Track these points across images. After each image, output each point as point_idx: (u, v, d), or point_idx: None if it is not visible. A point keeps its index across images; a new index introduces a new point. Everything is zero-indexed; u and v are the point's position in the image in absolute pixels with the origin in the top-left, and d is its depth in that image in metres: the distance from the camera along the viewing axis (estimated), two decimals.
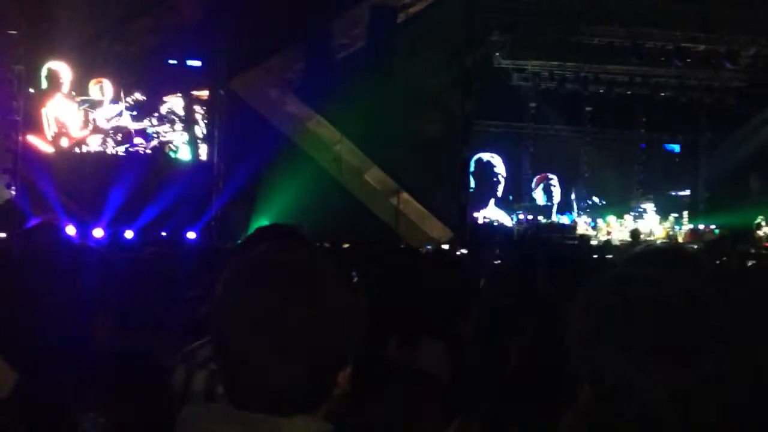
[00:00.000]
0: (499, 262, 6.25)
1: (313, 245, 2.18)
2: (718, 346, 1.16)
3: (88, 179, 14.55)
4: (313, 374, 1.17)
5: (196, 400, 1.94)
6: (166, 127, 15.61)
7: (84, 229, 13.45)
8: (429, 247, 9.56)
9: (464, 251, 8.29)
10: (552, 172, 19.52)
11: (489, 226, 17.88)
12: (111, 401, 1.79)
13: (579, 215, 19.16)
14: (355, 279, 2.13)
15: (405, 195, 15.82)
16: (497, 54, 17.93)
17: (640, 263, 2.39)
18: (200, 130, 15.86)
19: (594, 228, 17.88)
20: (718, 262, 7.46)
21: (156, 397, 1.90)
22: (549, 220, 18.48)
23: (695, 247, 15.52)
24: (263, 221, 13.79)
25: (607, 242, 15.71)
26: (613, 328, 1.17)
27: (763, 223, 17.03)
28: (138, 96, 15.30)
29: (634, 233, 13.68)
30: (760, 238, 16.79)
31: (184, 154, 15.74)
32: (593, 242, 15.62)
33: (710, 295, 1.23)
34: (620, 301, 1.19)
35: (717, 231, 17.43)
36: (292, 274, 1.19)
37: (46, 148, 14.96)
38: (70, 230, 13.38)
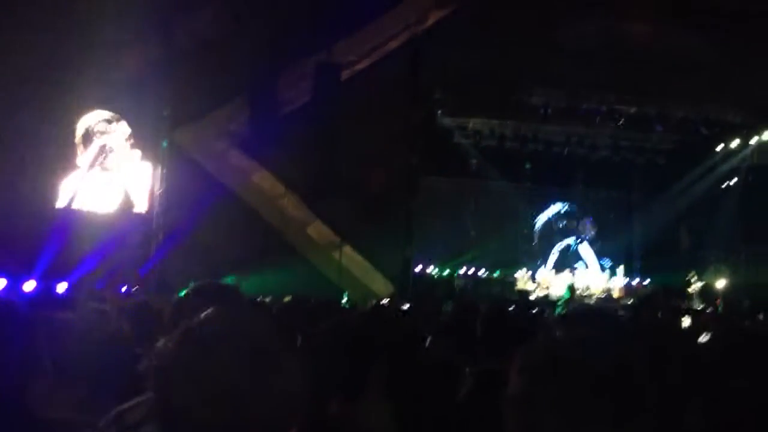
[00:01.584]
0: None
1: (250, 305, 2.19)
2: (643, 406, 1.22)
3: (21, 229, 14.13)
4: None
5: None
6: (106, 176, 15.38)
7: (15, 281, 12.98)
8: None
9: (406, 306, 8.31)
10: (493, 227, 19.88)
11: (429, 279, 17.97)
12: None
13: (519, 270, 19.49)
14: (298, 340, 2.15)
15: (348, 249, 15.84)
16: (440, 112, 18.34)
17: (571, 324, 2.48)
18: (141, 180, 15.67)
19: (533, 282, 18.16)
20: (653, 316, 7.65)
21: None
22: (489, 275, 18.71)
23: (629, 302, 15.93)
24: (202, 275, 13.56)
25: (546, 297, 15.97)
26: (544, 389, 1.21)
27: (694, 279, 17.60)
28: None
29: (571, 288, 13.99)
30: (691, 294, 17.32)
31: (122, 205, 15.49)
32: (532, 297, 15.86)
33: (635, 359, 1.29)
34: (551, 363, 1.24)
35: (650, 287, 17.93)
36: (238, 344, 1.21)
37: None
38: (0, 282, 12.92)
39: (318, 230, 16.12)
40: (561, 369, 1.22)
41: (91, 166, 15.36)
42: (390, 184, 16.20)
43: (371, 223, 15.55)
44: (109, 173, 15.52)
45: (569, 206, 20.81)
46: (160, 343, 1.26)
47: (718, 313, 10.13)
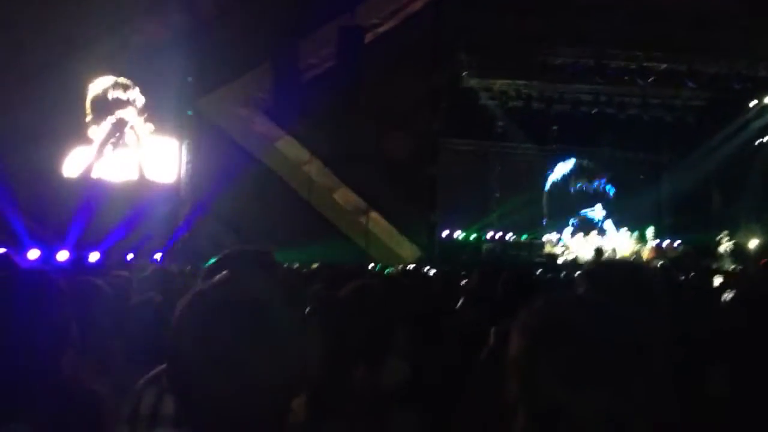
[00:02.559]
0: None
1: (277, 272, 2.19)
2: (648, 369, 1.20)
3: (52, 201, 14.34)
4: (264, 403, 1.19)
5: (166, 422, 1.94)
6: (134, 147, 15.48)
7: (48, 252, 13.24)
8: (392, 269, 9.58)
9: (432, 272, 8.31)
10: (519, 190, 19.73)
11: (456, 244, 17.93)
12: (45, 420, 1.76)
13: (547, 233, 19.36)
14: (314, 307, 2.15)
15: (374, 214, 15.86)
16: (465, 73, 18.12)
17: (594, 281, 2.44)
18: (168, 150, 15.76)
19: (561, 246, 18.05)
20: (683, 277, 7.58)
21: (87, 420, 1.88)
22: (516, 239, 18.62)
23: (659, 263, 15.78)
24: (231, 243, 13.72)
25: (574, 260, 15.87)
26: (545, 350, 1.20)
27: (725, 239, 17.36)
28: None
29: (598, 251, 13.85)
30: (722, 254, 17.09)
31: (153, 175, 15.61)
32: (560, 260, 15.78)
33: (639, 319, 1.27)
34: (551, 323, 1.23)
35: (681, 247, 17.71)
36: (244, 309, 1.22)
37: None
38: (34, 254, 13.17)
39: (344, 196, 16.14)
40: (561, 330, 1.21)
41: (105, 143, 15.30)
42: (414, 148, 16.11)
43: (396, 187, 15.52)
44: (126, 149, 15.50)
45: (587, 162, 20.39)
46: (179, 304, 1.29)
47: (747, 274, 9.99)
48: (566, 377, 1.17)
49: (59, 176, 15.01)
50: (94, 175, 15.24)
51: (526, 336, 1.23)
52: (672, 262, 16.01)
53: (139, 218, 14.09)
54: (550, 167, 20.33)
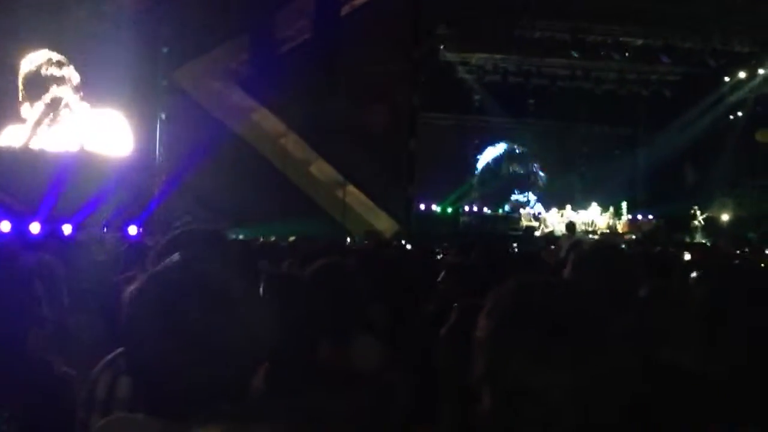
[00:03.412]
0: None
1: (229, 249, 2.21)
2: (611, 347, 1.22)
3: (25, 174, 14.14)
4: (220, 382, 1.21)
5: (120, 406, 1.94)
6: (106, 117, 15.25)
7: (20, 224, 13.08)
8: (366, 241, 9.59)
9: (409, 246, 8.34)
10: (495, 164, 19.81)
11: (434, 217, 18.00)
12: (18, 399, 1.76)
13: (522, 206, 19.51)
14: (269, 285, 2.17)
15: (351, 188, 15.82)
16: (442, 47, 18.04)
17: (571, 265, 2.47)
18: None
19: (537, 219, 18.19)
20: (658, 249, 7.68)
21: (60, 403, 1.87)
22: (493, 212, 18.72)
23: (633, 237, 15.98)
24: (206, 216, 13.66)
25: (550, 233, 16.01)
26: (510, 331, 1.22)
27: (698, 213, 17.61)
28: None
29: (569, 226, 14.03)
30: (696, 227, 17.36)
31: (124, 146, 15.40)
32: (536, 233, 15.91)
33: (606, 301, 1.29)
34: (517, 304, 1.25)
35: (654, 221, 17.95)
36: (196, 288, 1.24)
37: None
38: (4, 226, 13.02)
39: (321, 169, 16.08)
40: (528, 312, 1.22)
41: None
42: (392, 121, 16.07)
43: (374, 161, 15.49)
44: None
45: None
46: (130, 288, 1.31)
47: (712, 247, 10.15)
48: (533, 359, 1.18)
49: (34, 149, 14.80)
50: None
51: (494, 318, 1.25)
52: (645, 236, 16.24)
53: (112, 191, 13.94)
54: (530, 141, 20.43)
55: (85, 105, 15.04)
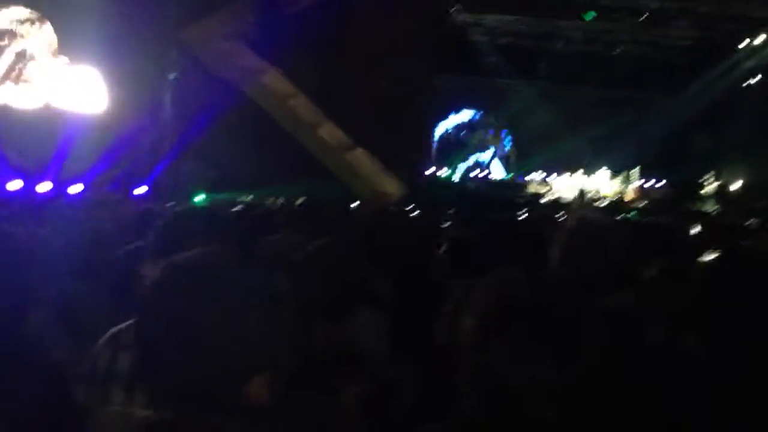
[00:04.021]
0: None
1: (231, 234, 2.21)
2: (591, 346, 1.21)
3: (34, 133, 14.14)
4: (220, 378, 1.20)
5: (120, 380, 1.96)
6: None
7: (30, 183, 13.16)
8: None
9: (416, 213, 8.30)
10: (506, 127, 19.65)
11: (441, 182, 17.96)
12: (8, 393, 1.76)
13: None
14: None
15: (359, 151, 15.75)
16: (454, 9, 17.78)
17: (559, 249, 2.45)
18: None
19: (545, 185, 18.10)
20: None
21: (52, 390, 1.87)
22: (501, 178, 18.65)
23: (641, 205, 15.87)
24: (214, 178, 13.70)
25: (557, 200, 15.93)
26: (492, 330, 1.21)
27: (710, 181, 17.46)
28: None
29: (581, 193, 13.94)
30: (706, 195, 17.23)
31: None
32: (543, 200, 15.84)
33: (578, 292, 1.28)
34: (499, 302, 1.24)
35: (664, 189, 17.83)
36: (213, 285, 1.24)
37: None
38: (16, 184, 13.09)
39: (329, 132, 15.98)
40: (511, 310, 1.21)
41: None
42: (401, 84, 15.92)
43: (382, 124, 15.40)
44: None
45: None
46: (148, 272, 1.31)
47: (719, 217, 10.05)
48: (516, 357, 1.18)
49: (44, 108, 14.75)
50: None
51: (478, 316, 1.24)
52: (654, 203, 16.14)
53: (120, 151, 13.94)
54: (541, 105, 20.21)
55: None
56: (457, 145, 20.21)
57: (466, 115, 20.34)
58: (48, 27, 14.56)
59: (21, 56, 14.54)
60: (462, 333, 1.25)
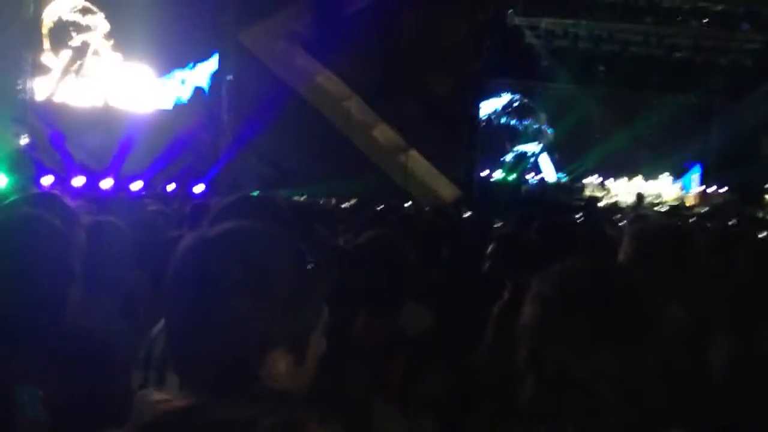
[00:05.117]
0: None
1: (281, 218, 2.17)
2: (659, 337, 1.19)
3: (97, 130, 14.58)
4: (234, 354, 1.18)
5: (155, 365, 1.98)
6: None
7: (93, 180, 13.56)
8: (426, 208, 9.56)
9: (468, 213, 8.29)
10: (562, 132, 19.34)
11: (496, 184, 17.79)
12: (53, 374, 1.76)
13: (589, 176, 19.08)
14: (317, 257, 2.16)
15: (413, 152, 15.76)
16: (510, 11, 17.63)
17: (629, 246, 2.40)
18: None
19: (602, 189, 17.78)
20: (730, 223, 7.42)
21: (102, 374, 1.87)
22: (556, 181, 18.38)
23: (703, 210, 15.47)
24: (272, 177, 13.87)
25: (614, 204, 15.65)
26: (555, 319, 1.20)
27: None
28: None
29: (639, 196, 13.64)
30: None
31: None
32: (600, 204, 15.56)
33: (653, 286, 1.25)
34: (562, 292, 1.22)
35: (726, 194, 17.33)
36: (237, 259, 1.20)
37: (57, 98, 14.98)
38: (79, 181, 13.51)
39: (383, 133, 16.05)
40: (573, 299, 1.20)
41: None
42: (456, 87, 15.87)
43: (437, 126, 15.37)
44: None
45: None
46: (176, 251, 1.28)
47: None
48: (577, 346, 1.16)
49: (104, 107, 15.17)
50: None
51: (538, 305, 1.23)
52: (715, 209, 15.70)
53: (179, 149, 14.24)
54: (598, 110, 19.86)
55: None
56: (504, 131, 19.69)
57: (506, 99, 19.74)
58: (105, 21, 14.91)
59: (83, 49, 14.94)
60: (522, 320, 1.24)
